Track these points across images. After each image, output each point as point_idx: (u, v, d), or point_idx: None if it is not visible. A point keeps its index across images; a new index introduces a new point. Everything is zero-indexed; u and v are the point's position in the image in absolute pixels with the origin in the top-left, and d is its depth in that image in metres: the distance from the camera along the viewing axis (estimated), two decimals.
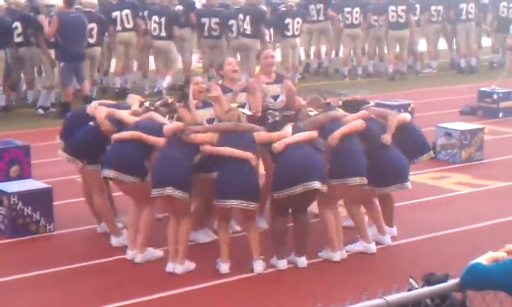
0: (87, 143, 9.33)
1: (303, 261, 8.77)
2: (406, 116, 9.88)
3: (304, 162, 8.51)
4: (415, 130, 9.85)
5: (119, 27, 17.63)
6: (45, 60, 16.63)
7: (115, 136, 8.97)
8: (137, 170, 8.80)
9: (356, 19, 20.55)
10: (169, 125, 8.85)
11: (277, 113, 9.25)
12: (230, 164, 8.46)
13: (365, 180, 8.87)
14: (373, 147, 9.11)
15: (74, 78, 16.36)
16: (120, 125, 9.18)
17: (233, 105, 9.16)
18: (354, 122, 9.06)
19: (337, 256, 8.93)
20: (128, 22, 17.64)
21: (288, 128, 8.79)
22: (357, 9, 20.43)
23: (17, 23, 16.44)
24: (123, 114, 9.31)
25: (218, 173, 8.58)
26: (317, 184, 8.46)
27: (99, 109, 9.43)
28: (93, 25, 16.65)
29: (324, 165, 8.66)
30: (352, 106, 9.66)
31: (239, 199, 8.35)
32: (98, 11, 17.27)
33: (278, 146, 8.62)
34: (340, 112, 9.34)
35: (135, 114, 9.30)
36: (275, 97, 9.92)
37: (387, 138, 9.16)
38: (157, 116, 9.13)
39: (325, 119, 9.09)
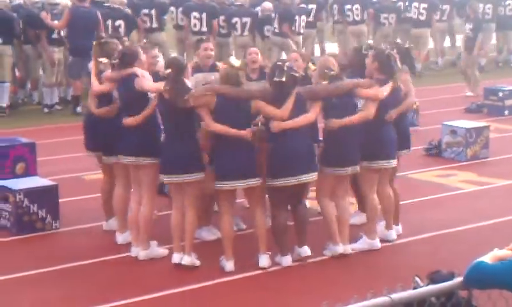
0: (106, 133, 9.27)
1: (305, 251, 8.77)
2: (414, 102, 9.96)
3: (299, 155, 8.49)
4: (407, 123, 9.86)
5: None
6: (45, 58, 16.64)
7: (127, 122, 8.78)
8: (153, 149, 8.73)
9: (358, 16, 20.51)
10: (154, 88, 8.69)
11: (284, 70, 8.60)
12: (227, 143, 8.40)
13: (356, 168, 8.91)
14: (373, 122, 8.94)
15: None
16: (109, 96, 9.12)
17: (232, 62, 8.87)
18: (365, 113, 8.82)
19: (340, 248, 8.93)
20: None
21: (289, 103, 8.51)
22: (357, 5, 20.37)
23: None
24: (147, 83, 8.87)
25: (216, 152, 8.55)
26: (310, 177, 8.58)
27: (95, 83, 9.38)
28: (120, 22, 16.64)
29: (314, 155, 8.71)
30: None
31: (240, 179, 8.37)
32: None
33: (276, 126, 8.48)
34: (353, 80, 8.92)
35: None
36: None
37: (391, 115, 9.10)
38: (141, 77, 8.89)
39: (333, 90, 8.76)
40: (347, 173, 8.95)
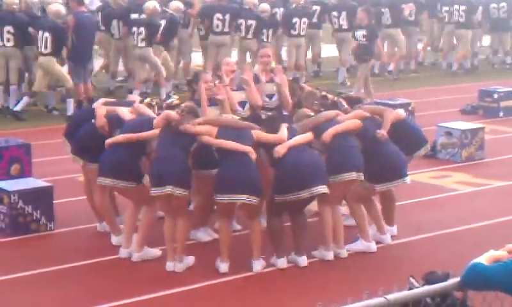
0: (87, 141, 9.35)
1: (303, 260, 8.77)
2: (401, 112, 9.93)
3: (307, 167, 8.52)
4: (410, 125, 9.93)
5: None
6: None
7: (108, 141, 8.98)
8: (133, 175, 8.83)
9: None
10: (159, 117, 8.84)
11: (270, 113, 9.21)
12: (231, 159, 8.46)
13: (361, 175, 8.90)
14: (371, 145, 9.12)
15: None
16: (121, 122, 9.19)
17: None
18: (348, 121, 9.07)
19: (330, 255, 8.93)
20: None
21: (284, 129, 8.76)
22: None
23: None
24: (123, 111, 9.32)
25: (219, 167, 8.57)
26: (323, 189, 8.50)
27: (99, 106, 9.48)
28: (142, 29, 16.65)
29: (325, 168, 8.68)
30: (346, 102, 9.70)
31: (241, 193, 8.35)
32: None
33: (280, 149, 8.59)
34: (334, 111, 9.31)
35: (135, 111, 9.31)
36: (270, 96, 9.94)
37: (383, 133, 9.18)
38: (143, 109, 9.16)
39: (319, 120, 9.10)
40: (352, 178, 8.92)
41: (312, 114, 9.27)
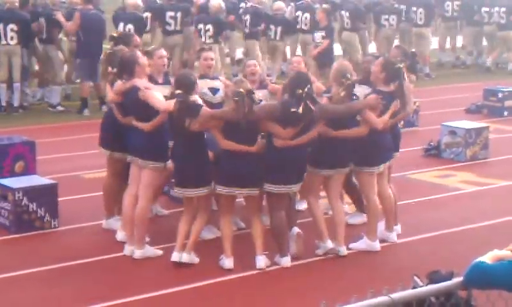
0: (108, 129, 9.30)
1: (295, 231, 8.88)
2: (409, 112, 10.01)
3: (297, 164, 8.63)
4: (398, 127, 9.87)
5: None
6: (54, 56, 16.66)
7: (139, 125, 8.83)
8: (158, 154, 8.83)
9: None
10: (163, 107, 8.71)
11: (302, 99, 8.57)
12: (233, 152, 8.48)
13: (341, 170, 8.94)
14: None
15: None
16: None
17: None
18: (359, 130, 8.96)
19: (330, 243, 8.94)
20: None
21: (297, 128, 8.56)
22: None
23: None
24: (156, 99, 8.84)
25: (221, 159, 8.60)
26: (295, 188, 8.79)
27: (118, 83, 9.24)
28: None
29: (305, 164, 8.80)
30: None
31: (242, 187, 8.45)
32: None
33: (280, 144, 8.58)
34: (361, 102, 8.99)
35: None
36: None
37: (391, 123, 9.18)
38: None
39: (344, 112, 8.84)
40: (334, 174, 8.96)
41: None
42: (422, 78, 19.31)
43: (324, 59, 15.84)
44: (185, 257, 8.61)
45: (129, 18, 16.58)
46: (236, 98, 8.33)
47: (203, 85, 9.61)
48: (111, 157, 9.57)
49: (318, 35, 16.06)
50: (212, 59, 10.06)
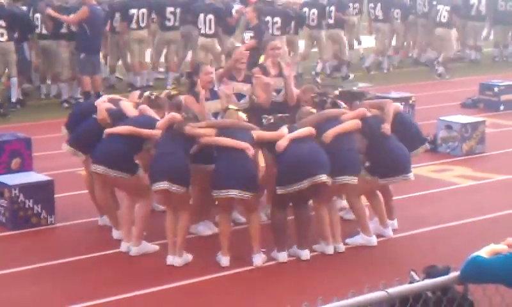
0: (89, 135, 9.35)
1: (306, 254, 8.78)
2: (398, 105, 9.95)
3: (309, 156, 8.55)
4: (411, 123, 9.92)
5: (134, 25, 17.55)
6: (61, 52, 16.64)
7: (107, 131, 8.99)
8: (126, 165, 8.85)
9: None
10: (162, 119, 8.87)
11: (271, 117, 9.13)
12: (227, 154, 8.50)
13: (355, 180, 8.87)
14: (375, 141, 9.13)
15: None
16: (122, 117, 9.19)
17: (232, 106, 9.16)
18: (349, 122, 9.03)
19: (331, 249, 8.94)
20: (143, 21, 17.59)
21: (284, 128, 8.77)
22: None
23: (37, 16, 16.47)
24: (126, 105, 9.33)
25: (215, 163, 8.61)
26: (323, 177, 8.49)
27: (100, 100, 9.51)
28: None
29: (327, 158, 8.67)
30: (347, 97, 9.68)
31: (235, 189, 8.38)
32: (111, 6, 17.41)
33: (281, 143, 8.60)
34: (337, 110, 9.30)
35: (141, 111, 9.29)
36: (278, 90, 9.95)
37: (386, 127, 9.18)
38: (149, 111, 9.16)
39: (321, 117, 9.10)
40: (344, 181, 8.90)
41: (314, 110, 9.26)
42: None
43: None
44: (178, 261, 8.60)
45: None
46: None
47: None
48: (86, 161, 9.66)
49: (246, 35, 15.44)
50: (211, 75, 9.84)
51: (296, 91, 10.06)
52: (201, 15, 17.51)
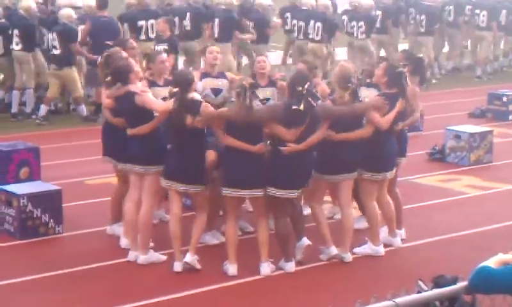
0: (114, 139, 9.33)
1: (304, 241, 8.84)
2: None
3: (302, 169, 8.62)
4: (406, 133, 9.85)
5: (143, 37, 17.56)
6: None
7: (131, 132, 8.86)
8: (154, 159, 8.81)
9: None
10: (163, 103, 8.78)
11: (303, 96, 8.61)
12: (237, 153, 8.47)
13: (348, 176, 8.90)
14: (378, 136, 9.04)
15: None
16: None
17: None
18: (362, 132, 8.95)
19: (334, 250, 8.93)
20: (153, 32, 17.58)
21: (300, 128, 8.53)
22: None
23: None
24: (154, 101, 8.92)
25: (225, 159, 8.60)
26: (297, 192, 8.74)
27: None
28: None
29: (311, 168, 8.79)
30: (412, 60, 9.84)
31: (246, 188, 8.44)
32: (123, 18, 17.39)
33: (286, 150, 8.56)
34: (365, 104, 9.00)
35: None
36: (266, 100, 9.91)
37: (397, 129, 9.18)
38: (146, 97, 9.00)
39: (348, 113, 8.81)
40: (338, 180, 8.94)
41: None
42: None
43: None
44: (188, 257, 8.60)
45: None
46: (238, 90, 8.44)
47: (207, 84, 9.81)
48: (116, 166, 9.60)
49: (160, 48, 14.44)
50: (216, 55, 10.10)
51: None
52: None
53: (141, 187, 8.93)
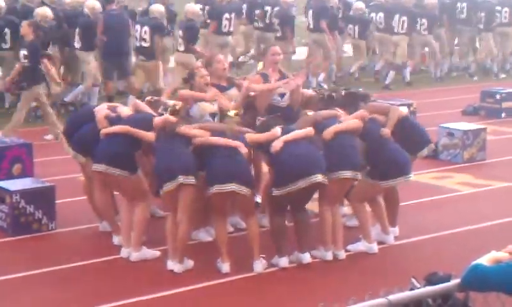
0: (90, 140, 9.35)
1: (307, 258, 8.76)
2: (403, 110, 9.97)
3: (304, 157, 8.55)
4: (414, 124, 9.94)
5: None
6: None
7: (104, 130, 9.02)
8: (126, 163, 8.85)
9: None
10: (159, 117, 8.90)
11: (265, 118, 9.19)
12: (221, 153, 8.51)
13: (358, 175, 8.91)
14: (374, 144, 9.14)
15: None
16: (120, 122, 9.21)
17: (230, 113, 9.18)
18: (350, 121, 9.07)
19: (329, 255, 8.93)
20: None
21: (277, 129, 8.76)
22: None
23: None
24: (123, 109, 9.36)
25: (209, 162, 8.58)
26: (319, 177, 8.49)
27: (99, 108, 9.51)
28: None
29: (323, 158, 8.70)
30: (353, 97, 9.70)
31: (230, 182, 8.37)
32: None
33: (276, 144, 8.61)
34: (332, 111, 9.31)
35: (134, 107, 9.37)
36: (282, 95, 9.89)
37: (386, 132, 9.21)
38: (141, 106, 9.22)
39: (319, 117, 9.13)
40: (346, 176, 8.92)
41: (311, 112, 9.32)
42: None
43: (25, 79, 13.89)
44: (179, 267, 8.57)
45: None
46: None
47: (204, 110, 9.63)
48: (85, 165, 9.64)
49: (22, 53, 13.68)
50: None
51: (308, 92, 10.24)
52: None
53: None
